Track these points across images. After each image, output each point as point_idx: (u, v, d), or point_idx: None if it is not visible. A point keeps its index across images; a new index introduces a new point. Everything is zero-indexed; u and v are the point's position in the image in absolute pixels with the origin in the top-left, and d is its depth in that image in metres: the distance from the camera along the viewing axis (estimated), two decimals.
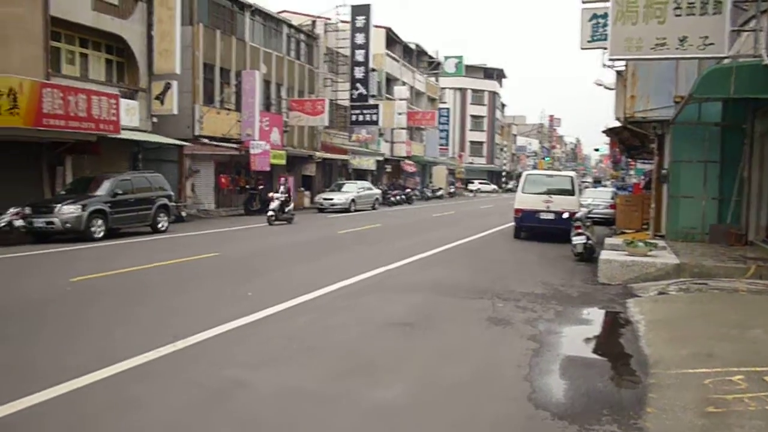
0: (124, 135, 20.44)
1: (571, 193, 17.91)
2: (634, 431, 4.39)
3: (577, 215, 14.16)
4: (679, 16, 10.48)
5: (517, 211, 18.29)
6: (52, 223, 15.77)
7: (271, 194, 23.06)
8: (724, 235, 13.25)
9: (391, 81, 47.38)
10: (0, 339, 6.66)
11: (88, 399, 4.93)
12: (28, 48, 17.93)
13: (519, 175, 25.54)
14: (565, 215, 16.09)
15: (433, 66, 58.45)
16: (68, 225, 15.75)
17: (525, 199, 18.03)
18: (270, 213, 21.84)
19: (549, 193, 17.84)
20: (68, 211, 15.84)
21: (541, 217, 17.65)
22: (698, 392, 4.95)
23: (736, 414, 4.42)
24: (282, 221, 21.98)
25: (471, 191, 67.00)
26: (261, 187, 28.71)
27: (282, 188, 22.59)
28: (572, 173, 20.67)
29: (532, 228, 18.15)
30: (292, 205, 22.98)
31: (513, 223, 19.12)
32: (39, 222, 15.89)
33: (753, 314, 7.54)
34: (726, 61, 11.13)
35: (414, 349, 6.42)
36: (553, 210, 17.39)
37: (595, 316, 8.49)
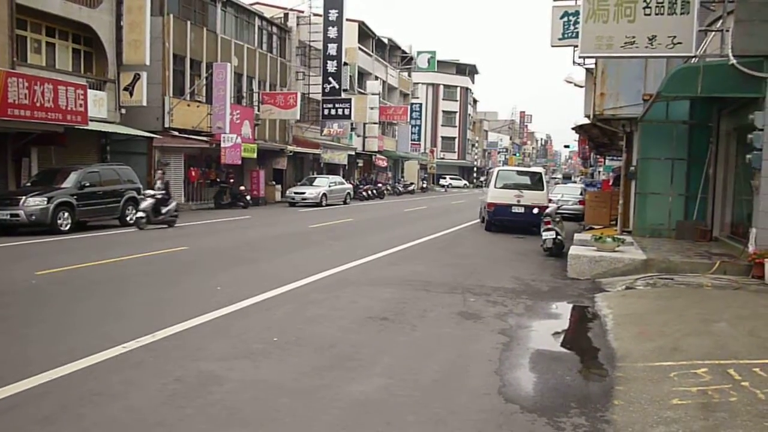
0: (92, 126, 20.09)
1: (540, 188, 18.96)
2: (601, 423, 4.46)
3: (547, 211, 14.31)
4: (649, 15, 10.65)
5: (489, 205, 18.93)
6: (17, 215, 15.46)
7: (144, 192, 18.63)
8: (690, 231, 13.51)
9: (363, 75, 47.29)
10: None
11: (61, 390, 4.86)
12: None
13: (489, 171, 26.87)
14: (535, 210, 16.59)
15: (406, 61, 58.52)
16: (33, 217, 15.46)
17: (497, 194, 18.72)
18: (140, 214, 17.33)
19: (519, 188, 18.69)
20: (34, 203, 15.54)
21: (513, 210, 18.43)
22: (664, 385, 5.05)
23: (700, 406, 4.52)
24: (158, 225, 17.76)
25: (442, 186, 67.10)
26: (231, 180, 28.48)
27: (158, 183, 18.67)
28: (541, 169, 21.86)
29: (503, 221, 18.80)
30: (173, 204, 18.38)
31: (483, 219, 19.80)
32: (3, 214, 15.55)
33: (717, 309, 7.71)
34: (693, 60, 11.35)
35: (388, 344, 6.44)
36: (523, 204, 18.22)
37: (564, 310, 8.59)
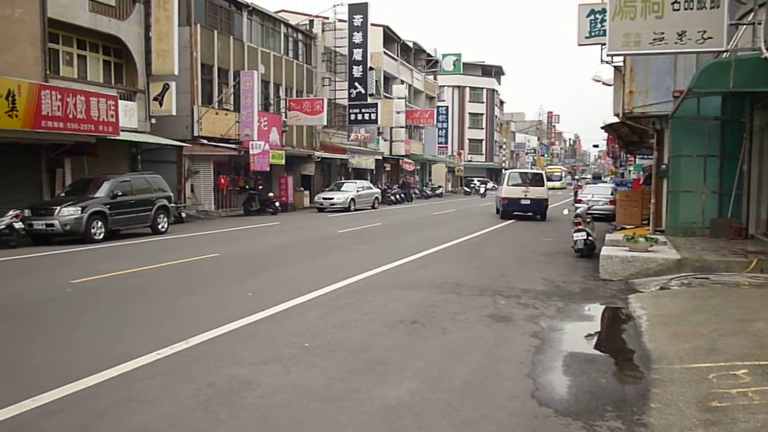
0: (123, 136, 20.43)
1: (542, 185, 24.94)
2: (638, 427, 4.38)
3: (577, 212, 14.17)
4: (677, 10, 10.47)
5: (504, 198, 24.86)
6: (52, 225, 15.77)
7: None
8: (725, 229, 13.24)
9: (389, 79, 47.38)
10: (3, 340, 6.65)
11: (97, 397, 4.92)
12: (27, 50, 17.93)
13: (503, 173, 32.64)
14: (538, 200, 23.97)
15: (431, 64, 58.45)
16: (68, 227, 15.75)
17: (509, 191, 24.77)
18: None
19: (525, 185, 24.75)
20: (68, 213, 15.84)
21: (521, 202, 24.38)
22: (702, 387, 4.94)
23: (740, 408, 4.41)
24: None
25: (471, 190, 60.19)
26: (260, 187, 28.72)
27: None
28: (541, 171, 30.21)
29: (514, 210, 24.60)
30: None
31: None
32: (39, 224, 15.88)
33: (755, 308, 7.53)
34: (725, 55, 11.13)
35: (419, 347, 6.41)
36: (529, 197, 24.22)
37: (597, 312, 8.48)
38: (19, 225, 15.56)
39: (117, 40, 21.86)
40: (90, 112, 18.33)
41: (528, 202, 24.15)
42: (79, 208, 15.99)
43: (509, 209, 24.39)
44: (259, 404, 4.81)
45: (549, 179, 32.26)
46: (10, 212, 15.58)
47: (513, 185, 24.77)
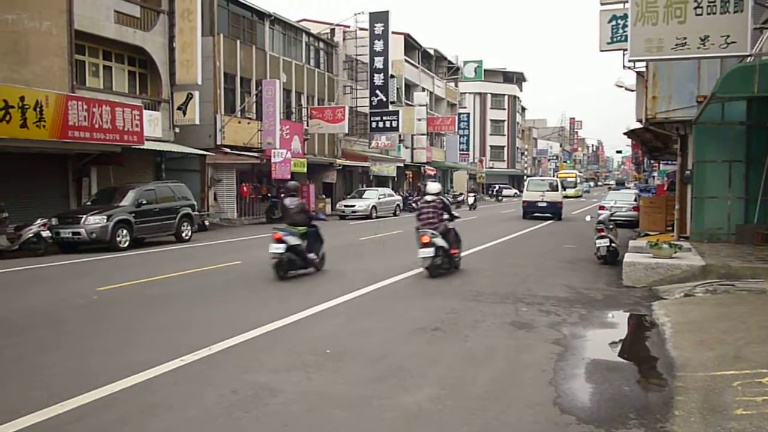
0: (148, 146, 20.71)
1: (557, 190, 29.87)
2: None
3: (600, 218, 14.07)
4: (700, 15, 10.38)
5: (524, 202, 30.04)
6: (78, 233, 16.03)
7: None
8: (751, 235, 13.06)
9: (410, 87, 47.46)
10: (31, 347, 6.78)
11: (121, 403, 5.00)
12: (54, 61, 18.28)
13: (524, 180, 38.62)
14: (552, 203, 28.86)
15: (452, 71, 58.44)
16: (94, 235, 15.99)
17: (528, 195, 30.04)
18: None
19: (543, 190, 29.59)
20: (94, 221, 16.08)
21: (539, 205, 29.04)
22: (726, 395, 4.88)
23: (765, 416, 4.35)
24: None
25: (498, 196, 58.78)
26: (282, 195, 28.84)
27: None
28: (555, 178, 35.78)
29: (534, 212, 29.06)
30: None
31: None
32: (66, 233, 16.15)
33: None
34: (749, 59, 11.01)
35: (440, 354, 6.41)
36: (546, 201, 28.91)
37: (620, 319, 8.41)
38: (46, 233, 15.83)
39: (142, 51, 22.20)
40: (115, 121, 18.62)
41: (544, 204, 28.75)
42: (105, 217, 16.23)
43: (529, 210, 29.27)
44: (281, 410, 4.85)
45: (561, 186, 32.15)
46: (38, 221, 15.87)
47: (532, 191, 29.95)
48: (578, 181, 72.95)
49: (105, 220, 16.19)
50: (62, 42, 18.52)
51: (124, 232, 16.68)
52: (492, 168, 76.04)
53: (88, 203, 18.19)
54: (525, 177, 59.11)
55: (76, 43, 19.27)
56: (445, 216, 11.90)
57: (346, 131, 34.53)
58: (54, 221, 16.29)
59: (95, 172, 20.45)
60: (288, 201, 11.84)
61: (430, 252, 11.19)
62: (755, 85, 10.13)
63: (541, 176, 65.99)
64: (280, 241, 10.99)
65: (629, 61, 12.92)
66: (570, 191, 60.25)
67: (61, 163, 19.42)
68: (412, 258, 13.73)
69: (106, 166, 20.43)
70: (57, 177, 19.50)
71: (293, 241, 11.21)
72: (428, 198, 12.00)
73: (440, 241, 11.45)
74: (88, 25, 19.63)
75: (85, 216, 16.20)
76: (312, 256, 11.77)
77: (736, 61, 11.70)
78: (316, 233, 12.06)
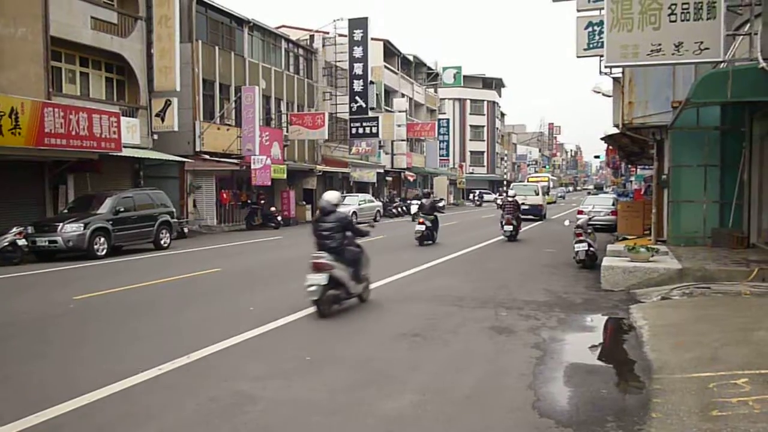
0: (126, 152, 20.53)
1: (538, 194, 33.65)
2: None
3: (578, 222, 14.19)
4: (674, 21, 10.52)
5: None
6: (55, 241, 15.82)
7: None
8: (726, 238, 13.25)
9: (390, 93, 47.54)
10: (7, 356, 6.68)
11: (99, 412, 4.96)
12: (30, 68, 18.06)
13: (508, 185, 39.75)
14: (534, 205, 32.25)
15: (432, 77, 58.63)
16: (71, 243, 15.80)
17: None
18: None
19: (525, 194, 31.77)
20: (71, 229, 15.89)
21: (522, 208, 28.00)
22: (703, 396, 4.95)
23: (740, 417, 4.42)
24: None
25: (475, 201, 60.90)
26: (262, 201, 28.76)
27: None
28: (537, 184, 38.06)
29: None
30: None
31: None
32: (42, 241, 15.94)
33: (757, 317, 7.53)
34: (722, 65, 11.18)
35: (421, 360, 6.43)
36: (527, 203, 30.70)
37: (599, 322, 8.48)
38: (22, 242, 15.61)
39: (119, 57, 22.01)
40: (93, 128, 18.42)
41: (527, 207, 30.68)
42: (82, 225, 16.05)
43: None
44: (260, 418, 4.83)
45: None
46: (14, 229, 15.65)
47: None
48: (551, 185, 67.83)
49: (82, 228, 16.00)
50: (38, 48, 18.30)
51: (102, 240, 16.50)
52: (472, 173, 76.32)
53: (65, 211, 17.96)
54: (504, 182, 60.41)
55: (53, 49, 19.05)
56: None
57: (326, 137, 34.49)
58: (30, 229, 16.06)
59: (72, 180, 20.21)
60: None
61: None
62: (728, 90, 10.27)
63: (523, 182, 65.65)
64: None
65: (605, 67, 13.09)
66: (537, 198, 54.42)
67: (38, 170, 19.16)
68: (392, 264, 13.70)
69: (83, 173, 20.19)
70: (33, 185, 19.23)
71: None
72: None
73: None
74: (65, 31, 19.42)
75: (61, 224, 16.00)
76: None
77: (710, 67, 11.88)
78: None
